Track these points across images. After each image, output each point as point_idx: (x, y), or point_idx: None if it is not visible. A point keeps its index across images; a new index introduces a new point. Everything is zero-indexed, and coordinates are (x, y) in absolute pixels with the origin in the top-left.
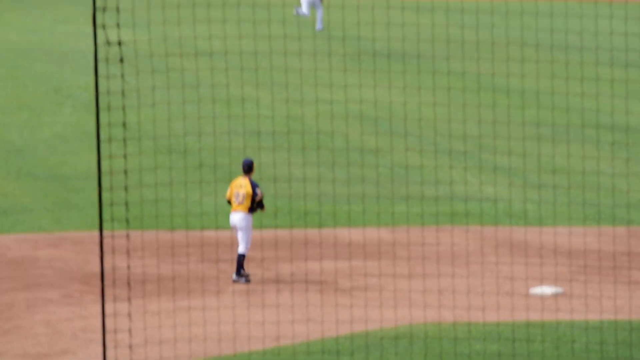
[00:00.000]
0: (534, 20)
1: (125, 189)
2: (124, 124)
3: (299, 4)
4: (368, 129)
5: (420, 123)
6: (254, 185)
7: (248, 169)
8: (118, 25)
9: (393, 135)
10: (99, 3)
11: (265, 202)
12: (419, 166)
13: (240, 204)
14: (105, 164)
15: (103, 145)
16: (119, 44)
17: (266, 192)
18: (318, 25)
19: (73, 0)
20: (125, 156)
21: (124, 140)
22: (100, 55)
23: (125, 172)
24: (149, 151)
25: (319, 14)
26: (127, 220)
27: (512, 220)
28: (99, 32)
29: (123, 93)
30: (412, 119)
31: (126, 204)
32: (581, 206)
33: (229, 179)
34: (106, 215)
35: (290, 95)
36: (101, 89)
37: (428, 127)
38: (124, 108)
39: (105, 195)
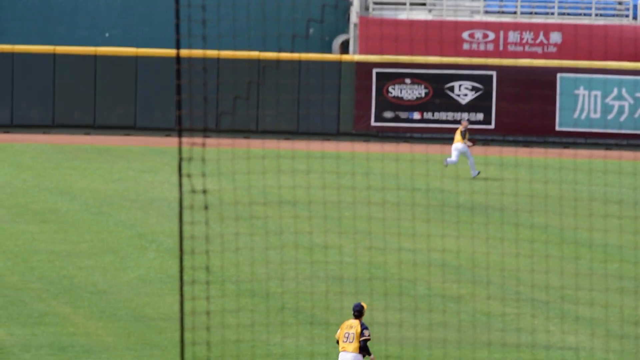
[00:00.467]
0: (618, 178)
1: (208, 329)
2: (207, 268)
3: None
4: (450, 277)
5: (503, 273)
6: (363, 327)
7: (358, 313)
8: (203, 175)
9: (475, 284)
10: (185, 154)
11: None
12: (500, 314)
13: (350, 342)
14: (187, 305)
15: (186, 287)
16: (204, 192)
17: None
18: (473, 172)
19: (158, 151)
20: (207, 298)
21: (207, 283)
22: (185, 203)
23: (208, 313)
24: (232, 294)
25: (471, 161)
26: None
27: None
28: (185, 181)
29: (207, 238)
30: (495, 268)
31: (208, 343)
32: None
33: (311, 322)
34: (188, 355)
35: (373, 244)
36: (185, 234)
37: (510, 277)
38: (207, 252)
39: (187, 335)
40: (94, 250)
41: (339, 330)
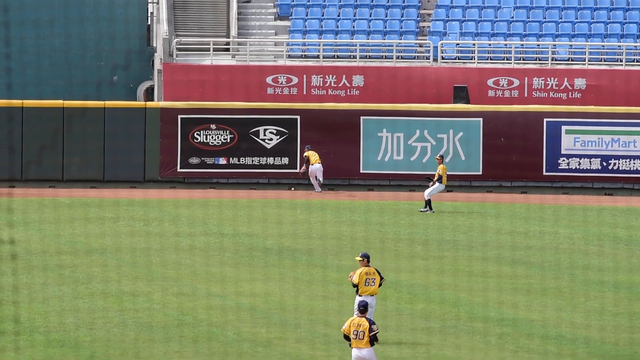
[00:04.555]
0: (423, 218)
1: None
2: (15, 318)
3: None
4: (259, 321)
5: (312, 316)
6: (370, 322)
7: (364, 309)
8: (10, 225)
9: (284, 327)
10: None
11: None
12: (310, 357)
13: (360, 339)
14: None
15: None
16: (11, 242)
17: None
18: (318, 189)
19: None
20: (16, 349)
21: (15, 333)
22: None
23: None
24: (40, 345)
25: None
26: None
27: None
28: None
29: (15, 289)
30: (303, 311)
31: None
32: None
33: None
34: None
35: (182, 290)
36: None
37: (319, 320)
38: (15, 303)
39: None
40: None
41: (346, 326)
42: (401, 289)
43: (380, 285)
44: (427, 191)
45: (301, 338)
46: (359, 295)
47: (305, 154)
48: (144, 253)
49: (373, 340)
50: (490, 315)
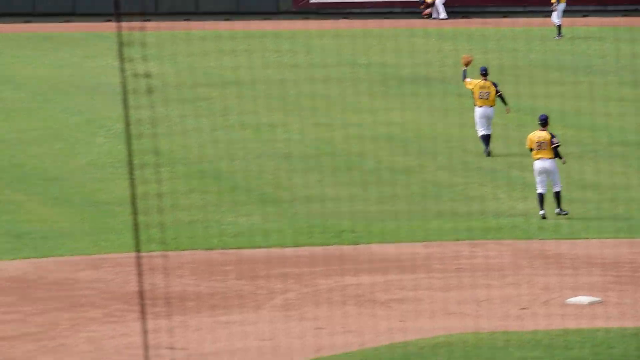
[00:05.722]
0: (555, 44)
1: (160, 211)
2: (156, 150)
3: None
4: (397, 150)
5: (450, 143)
6: (552, 135)
7: (545, 122)
8: (145, 58)
9: (423, 155)
10: (124, 38)
11: (300, 221)
12: (449, 184)
13: (544, 150)
14: (139, 189)
15: (137, 171)
16: (146, 76)
17: (299, 211)
18: (443, 15)
19: (100, 37)
20: (158, 181)
21: (157, 165)
22: (129, 87)
23: (160, 195)
24: (182, 176)
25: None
26: (163, 242)
27: (545, 234)
28: (127, 65)
29: (153, 122)
30: (441, 139)
31: (162, 225)
32: (612, 220)
33: (262, 200)
34: (143, 237)
35: (319, 120)
36: (132, 118)
37: (457, 147)
38: (155, 135)
39: (141, 218)
40: (44, 138)
41: (528, 142)
42: (538, 116)
43: (498, 95)
44: (554, 16)
45: (440, 166)
46: (478, 107)
47: None
48: (279, 84)
49: (556, 152)
50: (629, 139)
